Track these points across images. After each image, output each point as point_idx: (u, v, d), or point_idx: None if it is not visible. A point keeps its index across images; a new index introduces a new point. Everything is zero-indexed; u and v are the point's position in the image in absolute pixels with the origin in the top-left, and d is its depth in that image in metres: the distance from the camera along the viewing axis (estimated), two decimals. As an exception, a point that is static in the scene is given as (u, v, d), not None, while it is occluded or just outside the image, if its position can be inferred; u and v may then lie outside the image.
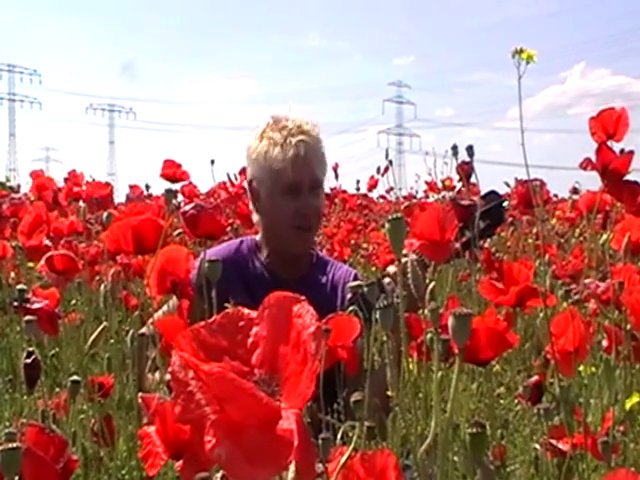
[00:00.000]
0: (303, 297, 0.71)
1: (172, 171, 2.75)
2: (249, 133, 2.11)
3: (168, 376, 1.21)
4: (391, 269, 1.88)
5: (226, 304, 1.02)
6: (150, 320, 1.79)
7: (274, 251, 2.09)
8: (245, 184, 2.19)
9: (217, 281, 1.27)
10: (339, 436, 1.07)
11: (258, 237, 2.13)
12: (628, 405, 1.55)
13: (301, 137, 2.00)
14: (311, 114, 2.07)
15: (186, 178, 2.82)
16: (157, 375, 1.56)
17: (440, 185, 3.70)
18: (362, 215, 5.84)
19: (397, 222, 0.85)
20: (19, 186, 6.01)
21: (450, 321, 0.80)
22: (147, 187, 3.43)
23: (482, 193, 1.82)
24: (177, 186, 2.96)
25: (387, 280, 1.84)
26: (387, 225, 0.85)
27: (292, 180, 1.98)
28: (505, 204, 1.83)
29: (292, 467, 0.67)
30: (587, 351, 1.43)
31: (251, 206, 2.13)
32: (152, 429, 1.02)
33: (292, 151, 1.98)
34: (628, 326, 1.47)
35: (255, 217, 2.12)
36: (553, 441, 1.35)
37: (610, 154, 1.62)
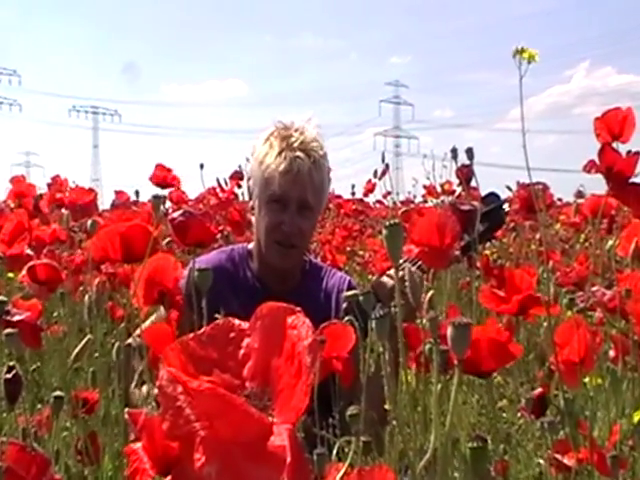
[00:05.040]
0: (298, 308, 0.70)
1: (163, 176, 2.72)
2: (239, 136, 2.07)
3: (156, 390, 1.17)
4: (384, 279, 1.85)
5: (217, 315, 0.99)
6: (137, 331, 1.75)
7: (261, 261, 2.05)
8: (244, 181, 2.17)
9: (207, 290, 1.23)
10: (335, 451, 1.04)
11: (250, 245, 2.09)
12: (636, 418, 1.54)
13: (300, 154, 1.93)
14: (305, 117, 2.00)
15: (177, 184, 2.79)
16: (144, 389, 1.52)
17: (439, 189, 3.68)
18: (358, 221, 5.80)
19: (394, 228, 0.85)
20: (-3, 193, 5.96)
21: (449, 331, 0.81)
22: (137, 194, 3.39)
23: (482, 195, 1.79)
24: (165, 192, 2.92)
25: (385, 279, 1.80)
26: (384, 231, 0.86)
27: (278, 194, 1.94)
28: (505, 206, 1.80)
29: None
30: (593, 362, 1.40)
31: (250, 203, 2.09)
32: (138, 445, 0.99)
33: (285, 165, 1.92)
34: (635, 336, 1.45)
35: (251, 217, 2.08)
36: (558, 456, 1.32)
37: (615, 155, 1.59)
